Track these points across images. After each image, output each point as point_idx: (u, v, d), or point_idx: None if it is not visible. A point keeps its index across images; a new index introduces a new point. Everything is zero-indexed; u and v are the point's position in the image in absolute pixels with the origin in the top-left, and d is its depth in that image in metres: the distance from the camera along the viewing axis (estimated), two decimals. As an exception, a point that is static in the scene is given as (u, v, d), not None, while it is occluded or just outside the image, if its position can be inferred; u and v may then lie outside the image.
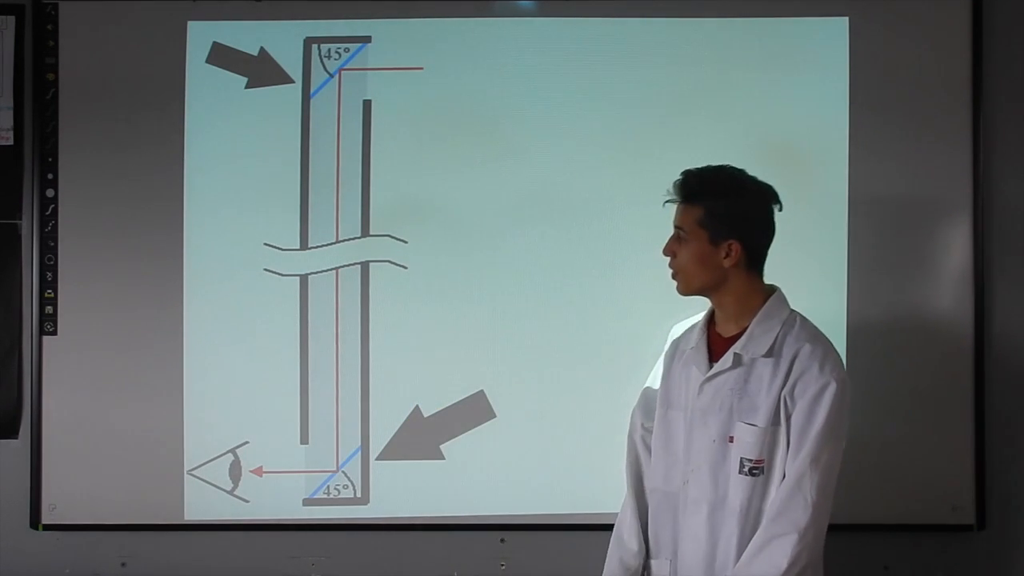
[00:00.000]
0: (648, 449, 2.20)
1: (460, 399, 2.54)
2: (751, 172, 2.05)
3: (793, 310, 2.09)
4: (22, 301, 2.57)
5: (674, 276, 2.09)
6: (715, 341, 2.10)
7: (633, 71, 2.53)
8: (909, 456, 2.52)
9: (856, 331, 2.51)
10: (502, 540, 2.58)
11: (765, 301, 2.07)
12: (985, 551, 2.57)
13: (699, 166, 2.07)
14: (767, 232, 2.07)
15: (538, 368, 2.54)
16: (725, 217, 2.02)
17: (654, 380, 2.23)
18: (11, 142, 2.57)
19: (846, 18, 2.53)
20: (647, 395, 2.25)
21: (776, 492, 1.98)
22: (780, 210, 2.07)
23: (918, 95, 2.53)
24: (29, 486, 2.54)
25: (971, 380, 2.53)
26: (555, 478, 2.54)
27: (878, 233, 2.53)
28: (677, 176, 2.06)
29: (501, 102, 2.54)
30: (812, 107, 2.53)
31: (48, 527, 2.55)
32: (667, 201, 2.07)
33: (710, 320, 2.13)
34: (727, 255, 2.02)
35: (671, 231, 2.06)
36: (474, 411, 2.54)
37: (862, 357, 2.50)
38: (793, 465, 1.97)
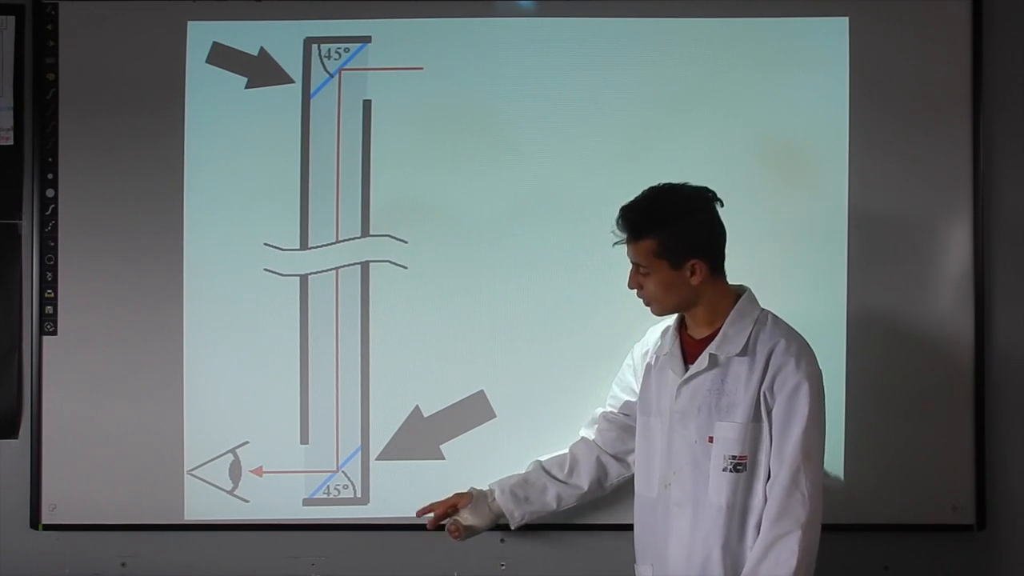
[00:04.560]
0: (608, 421, 2.35)
1: (460, 399, 2.54)
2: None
3: (764, 308, 2.12)
4: (22, 301, 2.57)
5: (646, 303, 2.13)
6: (688, 344, 2.15)
7: (633, 71, 2.53)
8: (909, 456, 2.52)
9: (856, 331, 2.50)
10: (502, 540, 2.58)
11: (735, 302, 2.10)
12: (985, 551, 2.57)
13: (632, 199, 2.08)
14: (720, 237, 2.10)
15: (538, 368, 2.54)
16: (678, 242, 2.04)
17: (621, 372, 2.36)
18: (11, 142, 2.57)
19: (846, 18, 2.53)
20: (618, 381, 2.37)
21: (772, 493, 2.01)
22: (722, 206, 2.08)
23: (918, 95, 2.53)
24: (29, 486, 2.54)
25: (971, 380, 2.52)
26: (555, 478, 2.54)
27: (878, 233, 2.52)
28: (623, 207, 2.08)
29: (501, 102, 2.54)
30: (812, 107, 2.52)
31: (48, 527, 2.55)
32: (616, 243, 2.09)
33: (681, 324, 2.17)
34: (692, 274, 2.05)
35: None
36: (474, 411, 2.54)
37: (862, 357, 2.50)
38: (783, 463, 2.00)
